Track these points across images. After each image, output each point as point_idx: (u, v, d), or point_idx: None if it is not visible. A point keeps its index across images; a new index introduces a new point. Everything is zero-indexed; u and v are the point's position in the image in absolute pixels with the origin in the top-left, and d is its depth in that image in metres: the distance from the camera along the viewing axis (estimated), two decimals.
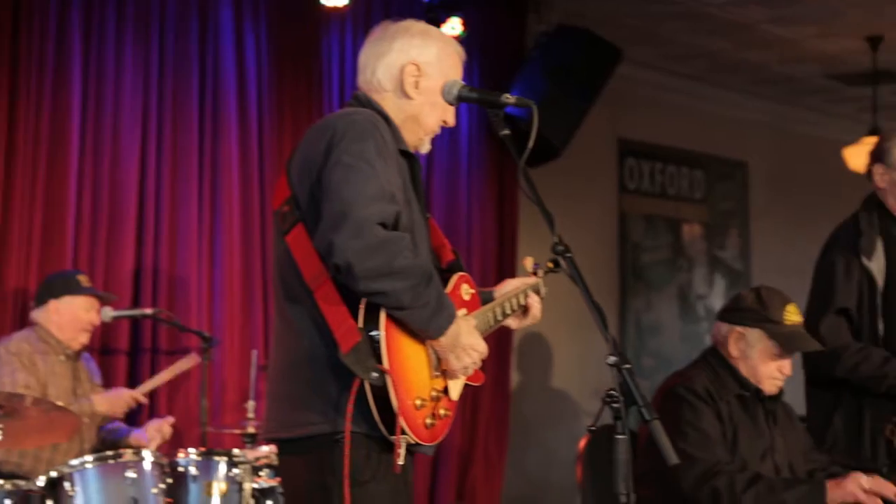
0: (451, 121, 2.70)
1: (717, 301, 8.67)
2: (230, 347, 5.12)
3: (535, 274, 2.88)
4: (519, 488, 6.73)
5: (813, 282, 4.01)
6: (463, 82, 2.60)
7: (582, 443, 3.48)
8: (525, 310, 2.82)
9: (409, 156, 2.60)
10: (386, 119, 2.55)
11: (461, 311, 2.56)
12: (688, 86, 8.33)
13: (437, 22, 5.69)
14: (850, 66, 7.84)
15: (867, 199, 4.01)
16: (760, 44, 7.40)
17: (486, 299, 2.75)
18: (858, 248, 3.85)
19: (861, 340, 3.83)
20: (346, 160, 2.36)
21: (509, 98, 2.48)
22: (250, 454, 4.03)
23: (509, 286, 2.81)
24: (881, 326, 3.82)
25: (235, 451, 4.02)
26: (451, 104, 2.60)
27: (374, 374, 2.29)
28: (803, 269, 8.76)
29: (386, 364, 2.30)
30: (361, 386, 2.31)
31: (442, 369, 2.47)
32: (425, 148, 2.70)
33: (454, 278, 2.63)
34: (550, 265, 2.88)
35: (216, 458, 3.94)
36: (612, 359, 2.18)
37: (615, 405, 2.18)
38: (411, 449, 2.42)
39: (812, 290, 4.00)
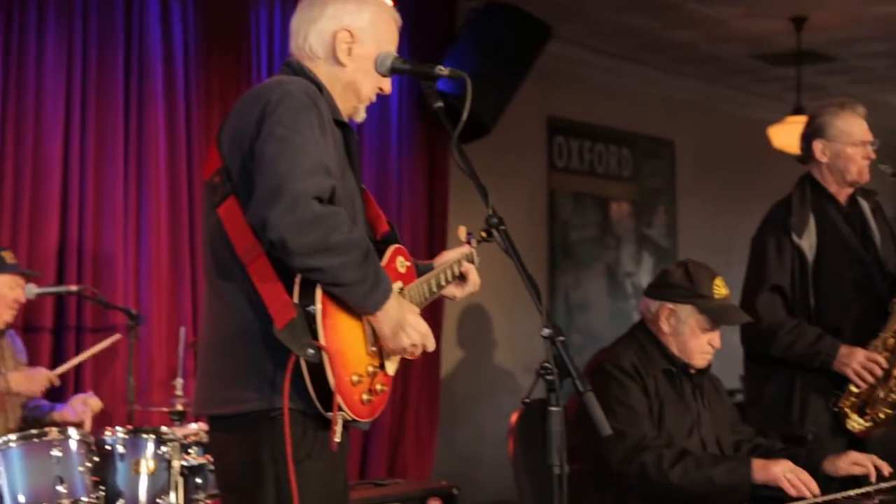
0: (388, 88, 2.65)
1: (645, 278, 8.77)
2: (158, 324, 5.06)
3: (468, 243, 2.86)
4: (449, 465, 6.75)
5: (748, 260, 4.08)
6: (396, 53, 2.56)
7: (514, 417, 3.49)
8: (463, 278, 2.79)
9: (343, 126, 2.55)
10: (319, 87, 2.50)
11: (397, 284, 2.53)
12: (616, 64, 8.38)
13: None
14: (775, 47, 7.95)
15: (801, 178, 4.07)
16: (687, 23, 7.46)
17: (425, 272, 2.73)
18: (789, 226, 3.91)
19: (795, 316, 3.90)
20: (280, 132, 2.30)
21: (443, 70, 2.46)
22: (179, 432, 3.99)
23: (446, 257, 2.79)
24: (812, 301, 3.89)
25: (164, 428, 3.98)
26: (384, 76, 2.57)
27: (310, 351, 2.25)
28: (729, 245, 8.99)
29: (322, 340, 2.27)
30: (297, 362, 2.27)
31: (378, 344, 2.44)
32: (360, 116, 2.65)
33: (389, 251, 2.59)
34: (483, 235, 2.86)
35: (144, 435, 3.90)
36: (547, 331, 2.19)
37: (549, 377, 2.18)
38: (347, 425, 2.40)
39: (748, 269, 4.06)
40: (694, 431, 3.34)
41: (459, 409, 7.19)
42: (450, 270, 2.76)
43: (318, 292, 2.29)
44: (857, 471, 3.26)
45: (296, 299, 2.28)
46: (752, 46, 8.09)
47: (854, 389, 3.83)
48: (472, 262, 2.86)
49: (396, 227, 5.75)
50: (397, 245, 2.64)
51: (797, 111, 7.52)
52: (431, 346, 2.49)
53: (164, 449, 3.88)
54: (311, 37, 2.56)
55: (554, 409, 2.16)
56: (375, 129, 6.09)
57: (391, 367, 2.51)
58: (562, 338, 2.18)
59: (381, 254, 2.55)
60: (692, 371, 3.40)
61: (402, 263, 2.62)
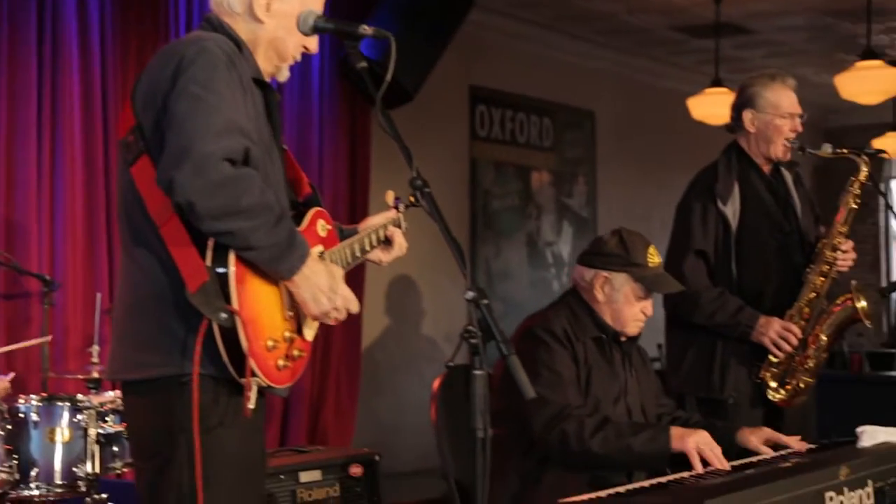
0: (314, 47, 2.59)
1: (565, 248, 8.83)
2: (73, 290, 4.95)
3: (395, 208, 2.83)
4: (370, 433, 6.75)
5: (673, 225, 4.11)
6: (319, 12, 2.51)
7: (436, 382, 3.48)
8: (388, 242, 2.76)
9: (264, 85, 2.48)
10: (239, 45, 2.43)
11: (317, 248, 2.49)
12: (538, 34, 8.39)
13: None
14: (695, 19, 8.02)
15: (728, 146, 4.11)
16: None
17: (349, 236, 2.68)
18: (715, 193, 3.94)
19: (716, 281, 3.95)
20: (193, 90, 2.23)
21: (367, 29, 2.42)
22: (95, 399, 3.92)
23: (371, 222, 2.75)
24: (734, 267, 3.94)
25: (79, 396, 3.90)
26: (306, 35, 2.51)
27: (223, 315, 2.20)
28: (648, 215, 9.08)
29: (235, 304, 2.22)
30: (210, 327, 2.22)
31: (296, 309, 2.39)
32: (283, 76, 2.58)
33: (310, 214, 2.53)
34: (412, 199, 2.83)
35: (59, 403, 3.82)
36: (470, 294, 2.17)
37: (473, 341, 2.17)
38: (263, 391, 2.36)
39: (672, 234, 4.10)
40: (620, 399, 3.35)
41: (382, 377, 7.19)
42: (375, 235, 2.73)
43: (232, 255, 2.24)
44: (767, 451, 3.30)
45: (208, 262, 2.23)
46: (672, 18, 8.15)
47: (773, 360, 3.90)
48: (398, 226, 2.82)
49: (318, 191, 5.69)
50: (318, 208, 2.58)
51: (715, 83, 7.59)
52: (355, 308, 2.45)
53: (79, 417, 3.81)
54: None
55: (478, 372, 2.15)
56: (297, 93, 6.02)
57: (309, 332, 2.45)
58: (485, 301, 2.16)
59: (301, 216, 2.51)
60: (622, 339, 3.42)
61: (322, 227, 2.56)
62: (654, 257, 3.36)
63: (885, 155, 4.14)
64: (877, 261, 12.05)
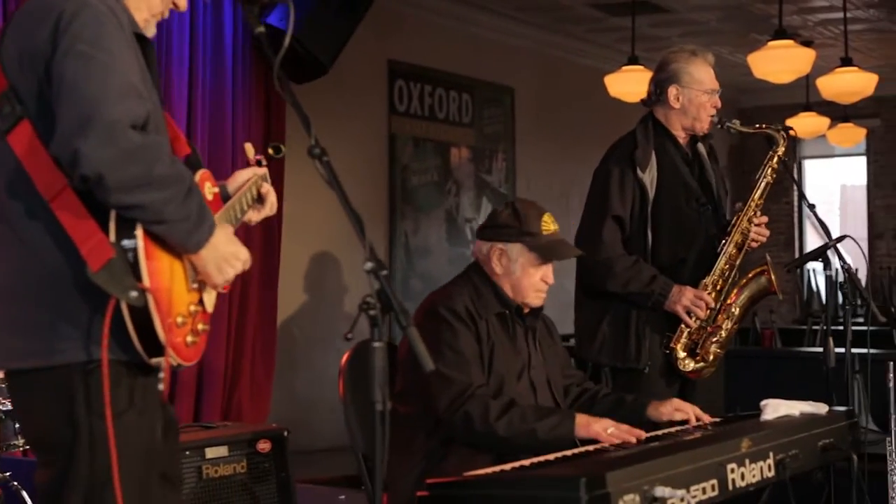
0: (183, 4, 2.44)
1: None
2: None
3: (258, 163, 2.67)
4: (287, 410, 6.70)
5: (590, 189, 4.09)
6: None
7: (344, 357, 3.45)
8: (261, 200, 2.63)
9: (143, 39, 2.34)
10: None
11: None
12: (458, 10, 8.36)
13: None
14: None
15: (644, 117, 4.11)
16: None
17: (223, 195, 2.55)
18: (634, 160, 3.95)
19: (630, 249, 3.95)
20: (82, 49, 2.09)
21: None
22: None
23: (240, 178, 2.59)
24: (650, 235, 3.95)
25: None
26: None
27: (133, 294, 2.07)
28: (566, 191, 9.13)
29: (146, 281, 2.10)
30: (117, 307, 2.09)
31: (199, 280, 2.29)
32: (150, 31, 2.42)
33: (197, 176, 2.36)
34: (271, 151, 2.72)
35: None
36: (369, 265, 2.14)
37: (372, 312, 2.14)
38: (174, 369, 2.25)
39: (588, 198, 4.08)
40: (524, 374, 3.33)
41: (299, 353, 7.14)
42: (249, 193, 2.58)
43: (139, 228, 2.11)
44: (679, 416, 3.31)
45: (112, 237, 2.09)
46: None
47: (685, 330, 3.93)
48: (266, 181, 2.66)
49: (230, 167, 5.55)
50: (205, 170, 2.44)
51: (632, 61, 7.65)
52: (248, 264, 2.36)
53: None
54: None
55: (377, 344, 2.11)
56: (210, 66, 5.93)
57: (210, 303, 2.35)
58: (384, 272, 2.13)
59: None
60: (526, 312, 3.40)
61: (210, 190, 2.42)
62: (550, 224, 3.34)
63: (792, 132, 4.18)
64: (791, 239, 12.29)
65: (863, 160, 12.10)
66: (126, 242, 2.10)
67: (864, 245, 12.39)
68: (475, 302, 3.30)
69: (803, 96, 9.59)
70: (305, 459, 5.59)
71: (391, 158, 8.10)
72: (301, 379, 7.11)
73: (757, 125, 4.10)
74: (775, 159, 4.06)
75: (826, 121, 9.80)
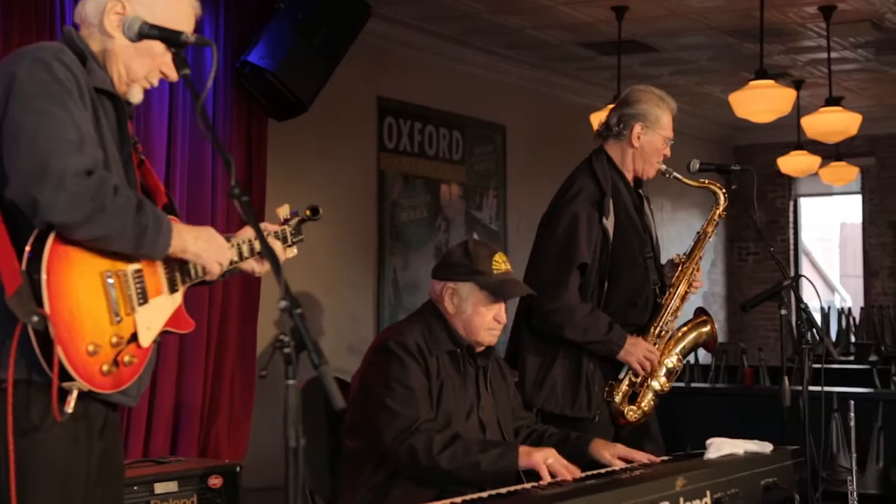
0: (173, 75, 2.59)
1: None
2: None
3: (285, 222, 2.85)
4: (266, 446, 6.70)
5: (550, 228, 3.99)
6: (143, 19, 2.50)
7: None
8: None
9: (113, 97, 2.52)
10: (84, 56, 2.46)
11: None
12: (448, 48, 8.43)
13: None
14: (599, 35, 8.12)
15: (597, 153, 4.03)
16: (514, 9, 7.56)
17: None
18: (602, 207, 3.88)
19: (584, 294, 3.91)
20: (38, 104, 2.28)
21: (189, 37, 2.42)
22: None
23: (248, 233, 2.75)
24: (606, 283, 3.92)
25: None
26: (132, 41, 2.51)
27: (35, 318, 2.22)
28: None
29: (47, 307, 2.24)
30: (24, 330, 2.24)
31: (129, 315, 2.40)
32: (135, 97, 2.59)
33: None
34: (308, 213, 2.88)
35: None
36: (283, 303, 2.17)
37: (286, 350, 2.17)
38: (97, 397, 2.39)
39: (550, 239, 3.96)
40: (473, 413, 3.35)
41: (280, 389, 7.13)
42: (245, 245, 2.72)
43: (45, 259, 2.26)
44: (619, 465, 3.32)
45: (23, 266, 2.26)
46: (577, 34, 8.24)
47: (632, 379, 3.94)
48: (285, 240, 2.83)
49: (210, 210, 5.63)
50: (170, 217, 2.56)
51: (616, 98, 7.67)
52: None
53: None
54: (88, 4, 2.54)
55: (290, 382, 2.15)
56: (191, 103, 5.98)
57: (146, 338, 2.46)
58: (299, 310, 2.17)
59: None
60: (478, 351, 3.43)
61: None
62: (501, 264, 3.38)
63: (734, 167, 4.20)
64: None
65: (860, 198, 12.11)
66: (33, 271, 2.26)
67: (860, 283, 12.37)
68: (426, 338, 3.34)
69: (795, 135, 9.62)
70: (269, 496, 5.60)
71: (380, 195, 8.14)
72: (282, 415, 7.11)
73: (700, 181, 4.12)
74: (716, 215, 4.10)
75: (817, 159, 9.82)
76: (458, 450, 3.12)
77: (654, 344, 3.94)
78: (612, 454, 3.35)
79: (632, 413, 3.94)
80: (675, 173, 4.00)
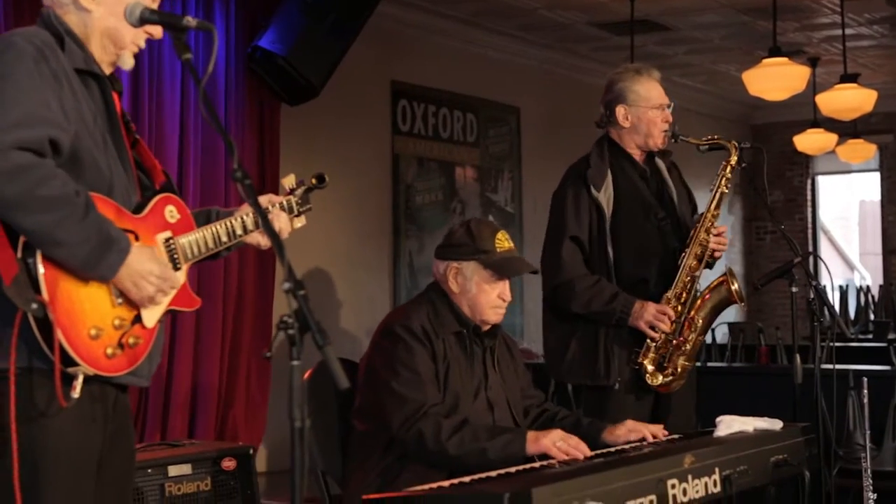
0: (158, 33, 2.56)
1: None
2: None
3: (291, 192, 2.82)
4: (283, 428, 6.73)
5: (549, 215, 4.14)
6: (145, 3, 2.51)
7: (306, 376, 3.49)
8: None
9: (97, 77, 2.49)
10: (64, 36, 2.44)
11: (164, 234, 2.50)
12: (460, 29, 8.42)
13: None
14: (613, 16, 8.09)
15: (599, 139, 4.16)
16: None
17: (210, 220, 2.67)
18: (586, 180, 3.99)
19: (593, 268, 3.99)
20: None
21: (190, 21, 2.41)
22: None
23: (244, 208, 2.71)
24: (611, 253, 3.98)
25: None
26: (134, 26, 2.51)
27: (34, 306, 2.22)
28: None
29: (45, 294, 2.24)
30: (25, 318, 2.24)
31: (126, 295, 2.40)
32: (126, 63, 2.57)
33: (154, 200, 2.52)
34: (314, 181, 2.85)
35: None
36: (287, 285, 2.17)
37: (290, 331, 2.18)
38: (105, 380, 2.38)
39: (548, 223, 4.13)
40: (480, 394, 3.35)
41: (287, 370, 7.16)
42: (249, 218, 2.68)
43: None
44: (634, 436, 3.32)
45: (19, 253, 2.25)
46: (590, 14, 8.21)
47: (651, 345, 3.95)
48: (289, 210, 2.79)
49: (223, 194, 5.63)
50: (165, 194, 2.56)
51: None
52: (176, 284, 2.46)
53: None
54: None
55: (295, 363, 2.16)
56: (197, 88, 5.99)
57: (149, 319, 2.45)
58: (302, 291, 2.17)
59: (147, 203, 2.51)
60: (484, 330, 3.43)
61: (171, 213, 2.54)
62: (504, 242, 3.37)
63: (744, 145, 4.18)
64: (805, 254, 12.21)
65: (878, 176, 12.04)
66: (29, 258, 2.25)
67: (879, 261, 12.31)
68: (432, 321, 3.33)
69: (812, 113, 9.57)
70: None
71: (395, 178, 8.15)
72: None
73: (708, 137, 4.13)
74: (728, 169, 4.09)
75: (834, 137, 9.76)
76: (466, 436, 3.12)
77: (673, 306, 3.94)
78: (623, 431, 3.35)
79: (658, 378, 3.95)
80: (682, 137, 4.04)
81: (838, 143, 9.92)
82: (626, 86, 4.06)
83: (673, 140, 4.06)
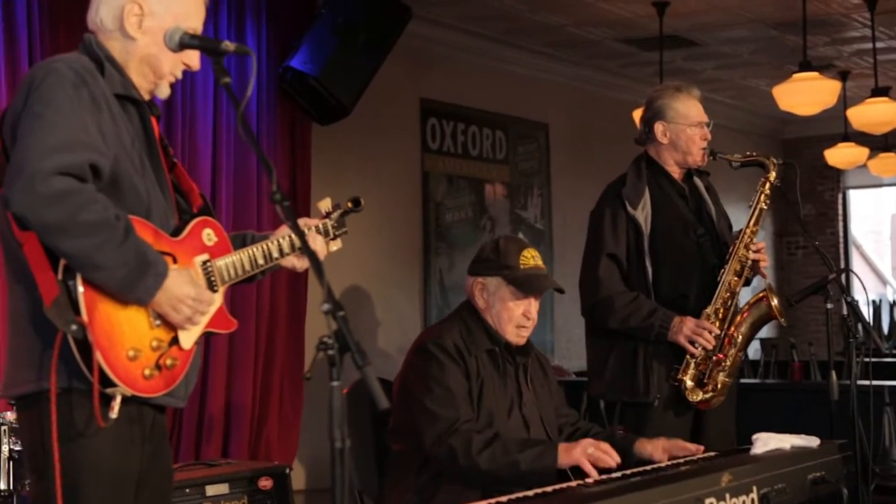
0: (195, 64, 2.62)
1: None
2: None
3: (327, 216, 2.84)
4: (316, 447, 6.76)
5: (587, 234, 4.15)
6: (185, 28, 2.54)
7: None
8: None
9: (136, 102, 2.53)
10: (104, 62, 2.48)
11: (202, 256, 2.52)
12: (488, 47, 8.44)
13: None
14: (641, 31, 8.09)
15: (637, 157, 4.17)
16: (554, 6, 7.56)
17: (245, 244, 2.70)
18: (623, 198, 4.00)
19: (631, 285, 3.99)
20: (36, 109, 2.30)
21: (229, 45, 2.45)
22: (10, 415, 3.92)
23: (286, 229, 2.74)
24: (650, 269, 3.98)
25: None
26: (174, 51, 2.55)
27: (74, 327, 2.25)
28: None
29: (84, 315, 2.26)
30: (65, 339, 2.27)
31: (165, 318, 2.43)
32: (163, 92, 2.62)
33: (191, 223, 2.55)
34: (350, 204, 2.88)
35: None
36: (326, 306, 2.19)
37: (329, 352, 2.20)
38: (143, 401, 2.41)
39: (586, 241, 4.13)
40: (514, 411, 3.35)
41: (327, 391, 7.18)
42: (285, 241, 2.71)
43: None
44: (664, 455, 3.32)
45: (59, 275, 2.28)
46: (618, 31, 8.22)
47: (692, 360, 3.94)
48: (325, 234, 2.82)
49: (256, 215, 5.67)
50: (203, 217, 2.59)
51: None
52: (207, 306, 2.47)
53: None
54: (101, 10, 2.54)
55: (334, 383, 2.17)
56: (233, 116, 6.04)
57: (186, 341, 2.48)
58: (342, 312, 2.19)
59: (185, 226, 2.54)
60: (514, 350, 3.43)
61: (209, 236, 2.57)
62: (529, 260, 3.37)
63: (790, 162, 4.20)
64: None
65: None
66: (69, 280, 2.28)
67: None
68: (465, 339, 3.34)
69: (843, 127, 9.52)
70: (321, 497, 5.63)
71: (425, 196, 8.17)
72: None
73: (747, 153, 4.14)
74: (767, 185, 4.09)
75: (865, 151, 9.71)
76: (498, 449, 3.12)
77: (712, 322, 3.93)
78: (655, 448, 3.35)
79: (698, 394, 3.93)
80: (720, 154, 4.05)
81: (869, 157, 9.86)
82: (665, 103, 4.07)
83: (711, 157, 4.07)
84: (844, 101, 8.68)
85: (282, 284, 6.22)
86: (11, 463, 3.83)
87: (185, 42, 2.49)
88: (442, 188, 8.32)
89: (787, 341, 8.67)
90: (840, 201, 12.19)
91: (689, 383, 3.93)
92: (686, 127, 4.05)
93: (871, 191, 13.24)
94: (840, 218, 12.16)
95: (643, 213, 3.99)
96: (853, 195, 12.50)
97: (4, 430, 3.84)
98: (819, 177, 11.85)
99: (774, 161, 4.09)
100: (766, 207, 4.07)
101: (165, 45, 2.52)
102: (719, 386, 3.96)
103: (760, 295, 4.01)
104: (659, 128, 4.07)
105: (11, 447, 3.84)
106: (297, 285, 6.37)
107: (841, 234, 12.14)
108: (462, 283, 8.39)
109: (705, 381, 3.95)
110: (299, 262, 2.78)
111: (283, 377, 6.31)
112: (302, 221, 2.81)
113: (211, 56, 2.44)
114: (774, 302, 3.99)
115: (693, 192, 4.16)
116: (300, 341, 6.48)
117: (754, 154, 4.14)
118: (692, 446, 3.37)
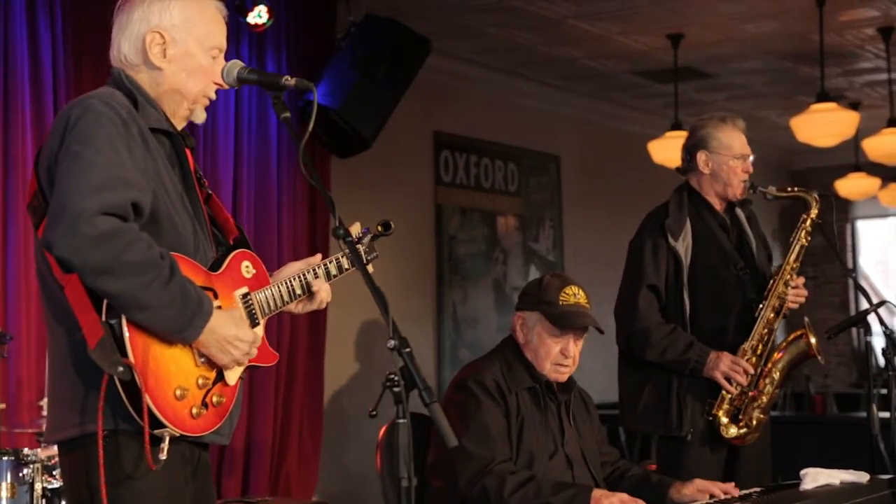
0: (225, 84, 2.57)
1: None
2: (27, 344, 4.92)
3: (358, 241, 2.80)
4: (336, 482, 6.71)
5: (626, 263, 4.14)
6: (242, 63, 2.52)
7: (381, 431, 3.47)
8: (311, 294, 2.69)
9: (169, 135, 2.50)
10: (137, 96, 2.45)
11: (241, 290, 2.49)
12: (501, 80, 8.45)
13: (243, 10, 5.60)
14: (654, 63, 8.10)
15: (679, 187, 4.17)
16: (568, 39, 7.57)
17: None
18: (665, 229, 3.99)
19: (668, 317, 3.97)
20: (74, 148, 2.26)
21: (289, 80, 2.43)
22: (42, 453, 3.88)
23: (290, 269, 2.70)
24: (687, 302, 3.97)
25: (25, 450, 3.86)
26: (231, 86, 2.53)
27: (120, 369, 2.21)
28: (614, 258, 9.00)
29: (130, 357, 2.22)
30: (111, 381, 2.23)
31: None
32: (198, 117, 2.58)
33: (230, 256, 2.52)
34: (380, 228, 2.86)
35: (3, 458, 3.78)
36: (392, 343, 2.17)
37: (396, 389, 2.17)
38: (190, 440, 2.38)
39: (625, 271, 4.12)
40: (558, 449, 3.32)
41: (349, 425, 7.14)
42: (321, 270, 2.69)
43: None
44: (701, 497, 3.28)
45: (103, 317, 2.23)
46: (632, 63, 8.23)
47: (727, 396, 3.91)
48: (323, 275, 2.75)
49: (276, 248, 5.64)
50: (241, 249, 2.57)
51: (675, 126, 7.66)
52: (253, 346, 2.44)
53: (25, 471, 3.77)
54: (123, 46, 2.52)
55: (401, 421, 2.15)
56: (255, 140, 6.04)
57: (232, 377, 2.45)
58: (408, 349, 2.17)
59: (223, 259, 2.51)
60: (555, 388, 3.39)
61: (247, 268, 2.55)
62: (570, 297, 3.34)
63: (829, 196, 4.19)
64: (846, 301, 12.11)
65: None
66: (113, 321, 2.24)
67: None
68: (505, 376, 3.31)
69: (853, 157, 9.52)
70: None
71: (438, 229, 8.15)
72: (351, 451, 7.11)
73: (790, 189, 4.12)
74: (808, 222, 4.08)
75: (877, 181, 9.71)
76: (530, 492, 3.09)
77: (748, 359, 3.90)
78: (691, 490, 3.30)
79: (732, 430, 3.90)
80: (760, 188, 4.03)
81: (881, 188, 9.86)
82: (709, 132, 4.07)
83: (751, 191, 4.05)
84: (857, 132, 8.69)
85: (302, 321, 6.18)
86: (45, 502, 3.79)
87: (243, 77, 2.48)
88: (455, 221, 8.31)
89: (802, 373, 8.63)
90: (849, 232, 12.18)
91: (724, 419, 3.90)
92: (729, 158, 4.04)
93: (877, 221, 13.22)
94: (849, 249, 12.15)
95: (684, 245, 3.97)
96: (860, 225, 12.49)
97: (37, 469, 3.79)
98: (827, 207, 11.82)
99: (816, 197, 4.08)
100: (806, 244, 4.06)
101: (223, 80, 2.50)
102: (754, 422, 3.93)
103: (799, 332, 3.98)
104: (701, 157, 4.06)
105: (45, 485, 3.79)
106: (317, 322, 6.34)
107: (850, 265, 12.12)
108: (475, 315, 8.47)
109: (740, 416, 3.92)
110: (302, 307, 2.73)
111: (302, 413, 6.26)
112: (315, 258, 2.77)
113: (270, 91, 2.42)
114: (813, 340, 3.96)
115: (734, 224, 4.14)
116: (319, 377, 6.44)
117: (795, 189, 4.12)
118: (728, 486, 3.33)
